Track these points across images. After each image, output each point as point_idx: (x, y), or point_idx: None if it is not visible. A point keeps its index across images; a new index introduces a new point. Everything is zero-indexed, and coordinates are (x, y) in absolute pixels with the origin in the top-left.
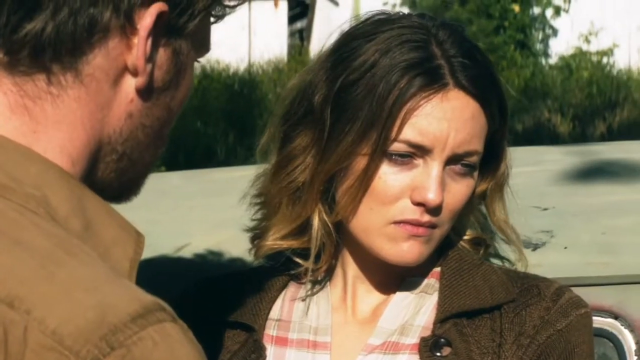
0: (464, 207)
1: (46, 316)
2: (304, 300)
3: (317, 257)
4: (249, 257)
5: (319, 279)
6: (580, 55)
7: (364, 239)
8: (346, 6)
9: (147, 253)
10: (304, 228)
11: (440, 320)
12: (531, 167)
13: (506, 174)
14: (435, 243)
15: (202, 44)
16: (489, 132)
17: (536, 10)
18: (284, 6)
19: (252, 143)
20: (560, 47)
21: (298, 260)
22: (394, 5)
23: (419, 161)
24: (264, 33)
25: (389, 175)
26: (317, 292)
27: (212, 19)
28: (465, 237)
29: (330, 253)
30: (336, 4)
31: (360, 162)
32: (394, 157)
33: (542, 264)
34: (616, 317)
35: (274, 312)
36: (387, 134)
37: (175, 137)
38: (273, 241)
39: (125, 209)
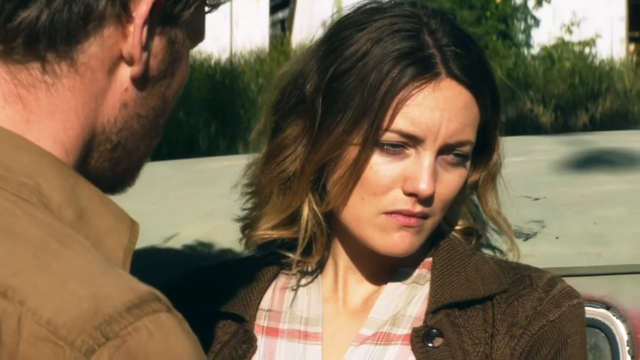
0: (456, 197)
1: (40, 306)
2: (294, 290)
3: (309, 248)
4: (238, 247)
5: (310, 269)
6: (562, 45)
7: (355, 229)
8: None
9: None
10: (294, 218)
11: (432, 310)
12: (520, 157)
13: (499, 163)
14: (427, 233)
15: (197, 34)
16: (481, 122)
17: (518, 0)
18: None
19: (234, 133)
20: (542, 37)
21: (285, 253)
22: None
23: (410, 151)
24: (246, 23)
25: (380, 165)
26: (308, 282)
27: (206, 9)
28: (457, 227)
29: (322, 243)
30: None
31: (352, 152)
32: (385, 147)
33: (533, 254)
34: (608, 308)
35: (265, 302)
36: (378, 123)
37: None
38: (264, 231)
39: (114, 199)
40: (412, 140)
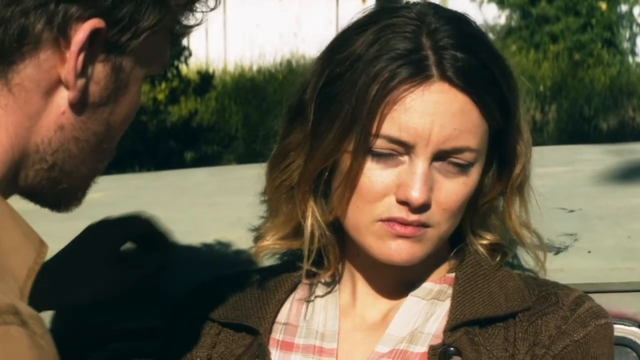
0: (483, 208)
1: None
2: (312, 304)
3: (321, 259)
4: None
5: (328, 281)
6: None
7: (356, 237)
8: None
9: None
10: (302, 228)
11: (451, 328)
12: (563, 167)
13: (524, 175)
14: (432, 243)
15: (153, 61)
16: (491, 130)
17: (624, 7)
18: (371, 1)
19: None
20: None
21: (302, 265)
22: (482, 2)
23: (404, 158)
24: None
25: (373, 172)
26: (326, 295)
27: (170, 37)
28: (483, 242)
29: (335, 255)
30: None
31: (346, 160)
32: (376, 154)
33: (564, 268)
34: (639, 326)
35: (282, 315)
36: (368, 129)
37: (256, 130)
38: (273, 241)
39: (147, 206)
40: (402, 147)
